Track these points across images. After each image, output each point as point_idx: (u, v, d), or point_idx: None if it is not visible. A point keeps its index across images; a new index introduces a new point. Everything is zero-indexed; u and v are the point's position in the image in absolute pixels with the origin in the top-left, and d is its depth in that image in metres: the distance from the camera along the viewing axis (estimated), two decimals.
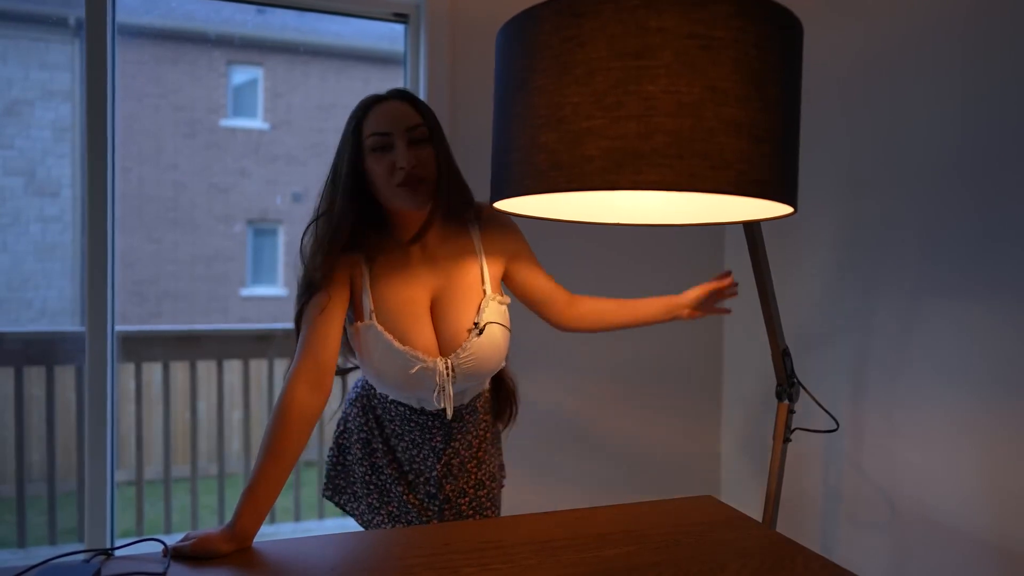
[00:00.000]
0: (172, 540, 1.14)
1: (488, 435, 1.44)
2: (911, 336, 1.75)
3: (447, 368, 1.28)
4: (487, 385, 1.44)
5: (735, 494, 2.40)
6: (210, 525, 3.54)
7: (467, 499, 1.41)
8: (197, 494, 3.43)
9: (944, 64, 1.67)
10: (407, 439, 1.38)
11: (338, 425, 1.49)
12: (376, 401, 1.41)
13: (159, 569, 1.05)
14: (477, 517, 1.42)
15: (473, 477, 1.42)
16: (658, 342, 2.38)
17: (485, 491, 1.44)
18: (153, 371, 3.44)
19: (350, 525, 1.56)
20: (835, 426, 1.70)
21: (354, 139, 1.24)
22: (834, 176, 1.97)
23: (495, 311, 1.32)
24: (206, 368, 3.47)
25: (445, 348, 1.30)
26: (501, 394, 1.50)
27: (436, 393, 1.29)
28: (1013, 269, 1.53)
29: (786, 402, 1.56)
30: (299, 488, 3.57)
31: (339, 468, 1.48)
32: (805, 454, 2.08)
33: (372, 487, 1.41)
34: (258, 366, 3.56)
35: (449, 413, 1.31)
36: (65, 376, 3.20)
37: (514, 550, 1.13)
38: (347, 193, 1.24)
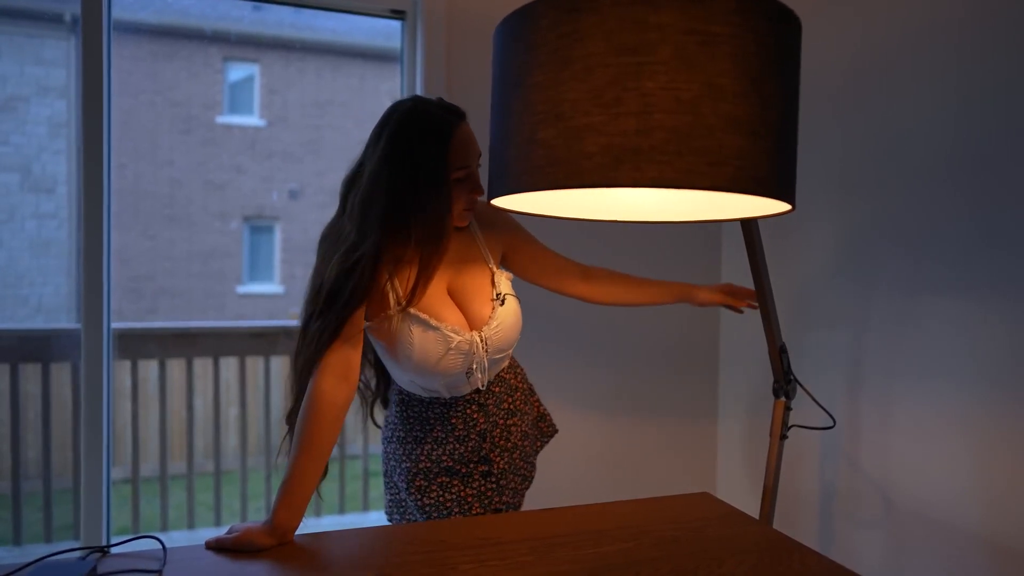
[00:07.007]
0: (168, 537, 1.13)
1: (518, 393, 1.49)
2: (907, 334, 1.76)
3: (482, 341, 1.33)
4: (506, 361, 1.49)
5: (732, 491, 2.40)
6: (206, 523, 3.54)
7: (510, 463, 1.45)
8: (194, 491, 3.42)
9: (940, 65, 1.67)
10: (452, 437, 1.39)
11: (384, 463, 1.50)
12: (412, 423, 1.42)
13: (155, 567, 1.05)
14: (520, 480, 1.49)
15: (515, 436, 1.45)
16: (654, 339, 2.38)
17: (528, 441, 1.50)
18: (149, 368, 3.43)
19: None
20: (832, 423, 1.70)
21: (441, 157, 1.25)
22: (831, 175, 1.97)
23: (507, 284, 1.41)
24: (202, 365, 3.46)
25: (473, 324, 1.36)
26: None
27: (471, 368, 1.34)
28: (1007, 267, 1.53)
29: (783, 399, 1.56)
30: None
31: (397, 505, 1.49)
32: (802, 451, 2.08)
33: (432, 514, 1.42)
34: (254, 363, 3.55)
35: (483, 384, 1.37)
36: (61, 373, 3.18)
37: (511, 547, 1.13)
38: (445, 206, 1.26)
